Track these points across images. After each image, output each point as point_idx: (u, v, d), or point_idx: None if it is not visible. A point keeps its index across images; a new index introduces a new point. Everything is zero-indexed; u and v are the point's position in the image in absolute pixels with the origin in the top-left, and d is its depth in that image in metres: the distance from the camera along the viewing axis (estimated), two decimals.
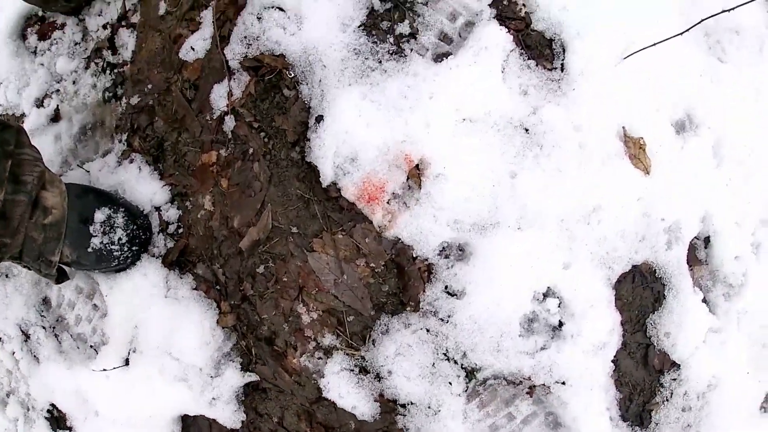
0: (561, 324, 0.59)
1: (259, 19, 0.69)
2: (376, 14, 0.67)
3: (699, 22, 0.67)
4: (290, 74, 0.66)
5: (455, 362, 0.60)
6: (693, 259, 0.74)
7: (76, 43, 0.87)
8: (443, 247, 0.61)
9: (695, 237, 0.73)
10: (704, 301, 0.72)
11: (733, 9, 0.69)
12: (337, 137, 0.60)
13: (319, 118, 0.63)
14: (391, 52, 0.65)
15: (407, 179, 0.59)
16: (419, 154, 0.58)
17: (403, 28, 0.65)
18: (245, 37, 0.69)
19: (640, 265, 0.66)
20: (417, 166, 0.59)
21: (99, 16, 0.86)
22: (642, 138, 0.65)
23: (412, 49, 0.64)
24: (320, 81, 0.64)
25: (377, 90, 0.61)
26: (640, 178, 0.64)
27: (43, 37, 0.91)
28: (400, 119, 0.59)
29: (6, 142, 0.60)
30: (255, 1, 0.70)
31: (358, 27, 0.65)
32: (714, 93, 0.76)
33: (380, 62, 0.64)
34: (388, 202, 0.60)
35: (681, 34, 0.65)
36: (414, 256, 0.61)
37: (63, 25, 0.91)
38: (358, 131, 0.60)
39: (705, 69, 0.76)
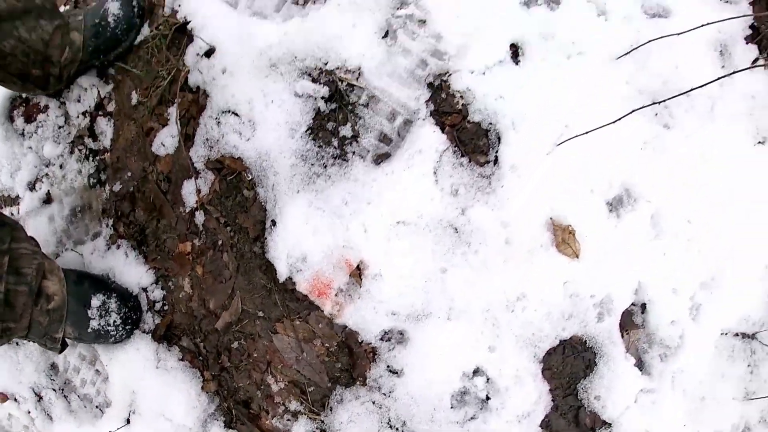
0: (488, 398, 0.75)
1: (218, 122, 0.83)
2: (322, 115, 0.80)
3: (636, 109, 0.77)
4: (248, 176, 0.81)
5: (397, 430, 0.77)
6: (629, 324, 0.87)
7: (59, 127, 1.04)
8: (384, 333, 0.76)
9: (632, 303, 0.86)
10: (639, 362, 0.85)
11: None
12: (289, 241, 0.76)
13: (273, 222, 0.78)
14: (335, 156, 0.78)
15: (349, 278, 0.74)
16: (358, 257, 0.73)
17: (346, 130, 0.78)
18: (207, 139, 0.84)
19: (570, 339, 0.80)
20: (357, 266, 0.74)
21: (78, 102, 1.02)
22: (570, 225, 0.77)
23: (354, 152, 0.77)
24: (273, 186, 0.79)
25: (322, 197, 0.75)
26: (567, 264, 0.77)
27: (28, 119, 1.08)
28: (342, 226, 0.74)
29: (1, 241, 0.78)
30: (213, 105, 0.84)
31: (305, 132, 0.79)
32: (656, 164, 0.86)
33: (325, 167, 0.78)
34: (335, 296, 0.76)
35: (616, 121, 0.75)
36: (360, 340, 0.77)
37: (46, 108, 1.07)
38: (306, 237, 0.75)
39: (648, 139, 0.85)
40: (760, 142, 0.92)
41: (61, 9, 1.13)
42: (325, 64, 0.79)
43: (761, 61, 0.98)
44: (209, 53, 0.83)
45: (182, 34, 0.88)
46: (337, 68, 0.79)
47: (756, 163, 0.94)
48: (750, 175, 0.92)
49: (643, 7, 0.94)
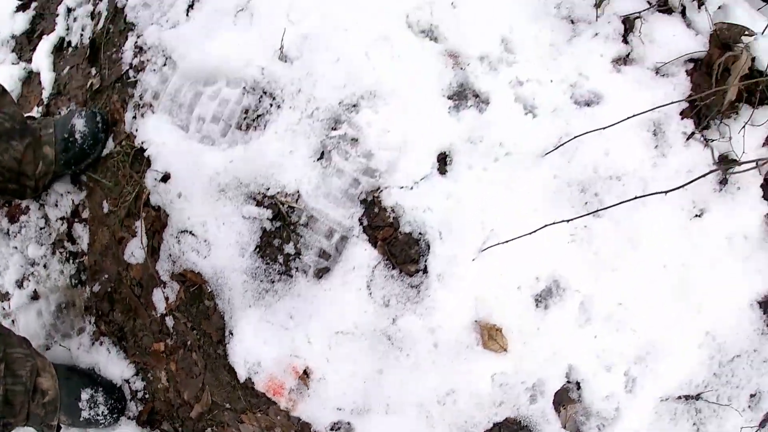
0: None
1: (178, 241, 0.98)
2: (268, 233, 0.95)
3: (550, 224, 0.89)
4: (208, 289, 0.97)
5: None
6: (566, 399, 1.02)
7: (41, 228, 1.21)
8: (334, 424, 0.93)
9: (567, 381, 1.00)
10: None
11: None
12: (244, 349, 0.93)
13: (231, 332, 0.94)
14: (280, 272, 0.93)
15: (298, 381, 0.90)
16: (304, 364, 0.90)
17: (290, 248, 0.93)
18: (170, 254, 1.00)
19: (504, 420, 0.95)
20: (305, 371, 0.90)
21: (56, 207, 1.18)
22: (496, 325, 0.91)
23: (297, 268, 0.92)
24: (229, 299, 0.95)
25: (270, 311, 0.91)
26: (495, 357, 0.92)
27: (12, 219, 1.25)
28: (288, 337, 0.90)
29: None
30: (172, 224, 1.00)
31: (254, 251, 0.94)
32: (584, 254, 0.99)
33: (272, 282, 0.93)
34: (288, 394, 0.92)
35: (533, 232, 0.88)
36: (314, 430, 0.94)
37: (27, 209, 1.24)
38: (258, 346, 0.91)
39: (576, 230, 0.98)
40: (697, 215, 1.02)
41: (34, 113, 1.28)
42: (267, 189, 0.94)
43: (697, 136, 1.07)
44: (165, 179, 0.98)
45: (142, 154, 1.03)
46: (278, 193, 0.94)
47: (693, 235, 1.03)
48: (687, 248, 1.02)
49: (573, 96, 1.05)
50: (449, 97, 1.00)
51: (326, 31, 0.99)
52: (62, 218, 1.20)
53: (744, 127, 1.04)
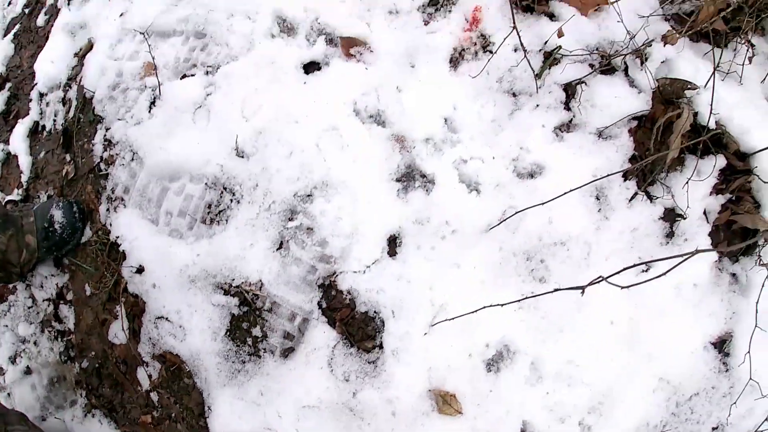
0: None
1: (155, 326, 1.12)
2: (236, 318, 1.08)
3: (486, 306, 1.02)
4: (187, 368, 1.11)
5: None
6: None
7: (29, 307, 1.34)
8: None
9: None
10: None
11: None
12: (222, 424, 1.06)
13: (209, 407, 1.08)
14: (250, 353, 1.07)
15: None
16: None
17: (257, 331, 1.07)
18: (150, 338, 1.13)
19: None
20: None
21: (41, 288, 1.31)
22: (449, 391, 1.04)
23: (264, 349, 1.06)
24: (206, 378, 1.09)
25: (243, 390, 1.05)
26: (451, 420, 1.05)
27: (0, 299, 1.38)
28: (260, 412, 1.04)
29: None
30: (150, 310, 1.13)
31: (225, 334, 1.07)
32: (532, 319, 1.11)
33: (243, 363, 1.07)
34: None
35: (471, 312, 1.01)
36: None
37: (15, 288, 1.37)
38: (234, 420, 1.05)
39: (523, 296, 1.10)
40: (643, 271, 1.12)
41: (14, 195, 1.41)
42: (232, 280, 1.07)
43: (640, 196, 1.17)
44: (140, 271, 1.11)
45: (117, 247, 1.16)
46: (243, 282, 1.07)
47: (639, 289, 1.13)
48: (634, 303, 1.12)
49: (516, 169, 1.16)
50: (398, 180, 1.13)
51: (278, 126, 1.11)
52: (48, 299, 1.33)
53: (687, 183, 1.14)
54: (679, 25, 1.26)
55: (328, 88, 1.14)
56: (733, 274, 1.16)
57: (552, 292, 0.98)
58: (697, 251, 0.82)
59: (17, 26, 1.66)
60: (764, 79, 1.24)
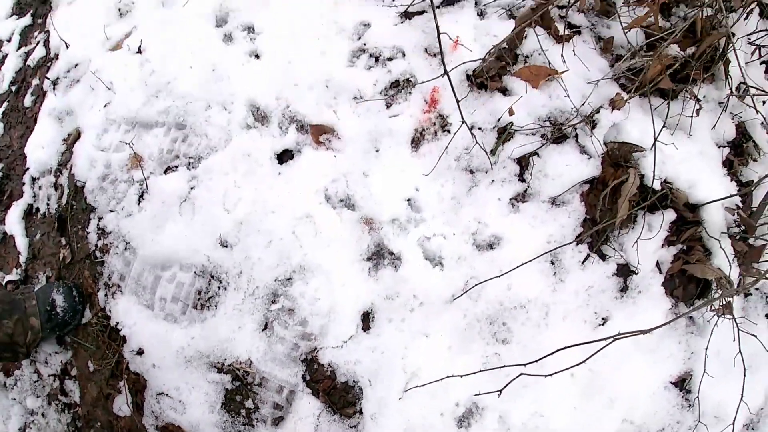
0: None
1: (157, 401, 1.29)
2: (230, 392, 1.26)
3: (450, 376, 1.21)
4: None
5: None
6: None
7: (35, 381, 1.51)
8: None
9: None
10: None
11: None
12: None
13: None
14: (244, 423, 1.25)
15: None
16: None
17: (249, 403, 1.25)
18: (153, 411, 1.31)
19: None
20: None
21: (46, 365, 1.48)
22: None
23: (257, 419, 1.24)
24: None
25: None
26: None
27: (7, 374, 1.56)
28: None
29: None
30: (151, 387, 1.30)
31: (220, 407, 1.25)
32: (497, 377, 1.29)
33: None
34: None
35: (441, 379, 1.19)
36: None
37: (20, 364, 1.54)
38: None
39: (488, 358, 1.28)
40: (600, 324, 1.29)
41: (13, 275, 1.58)
42: (224, 359, 1.24)
43: (592, 258, 1.35)
44: (140, 353, 1.28)
45: (118, 331, 1.33)
46: (234, 361, 1.24)
47: (598, 343, 1.35)
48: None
49: (475, 242, 1.33)
50: (368, 259, 1.30)
51: (257, 217, 1.28)
52: (53, 375, 1.50)
53: (636, 241, 1.31)
54: (629, 83, 1.42)
55: (301, 177, 1.31)
56: (690, 317, 1.30)
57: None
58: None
59: (5, 104, 1.81)
60: (714, 125, 1.41)
